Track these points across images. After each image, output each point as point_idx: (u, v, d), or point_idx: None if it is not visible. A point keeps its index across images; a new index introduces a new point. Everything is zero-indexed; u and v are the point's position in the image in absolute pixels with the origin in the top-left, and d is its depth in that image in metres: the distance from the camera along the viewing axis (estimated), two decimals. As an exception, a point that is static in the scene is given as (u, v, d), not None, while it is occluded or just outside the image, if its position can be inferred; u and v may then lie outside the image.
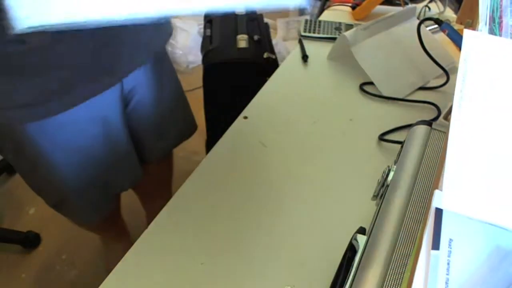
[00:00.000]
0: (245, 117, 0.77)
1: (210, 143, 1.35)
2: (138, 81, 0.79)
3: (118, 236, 1.19)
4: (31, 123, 0.66)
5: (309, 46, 0.97)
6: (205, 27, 1.30)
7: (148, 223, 0.60)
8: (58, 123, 0.68)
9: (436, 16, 1.00)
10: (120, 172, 0.86)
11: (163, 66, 0.86)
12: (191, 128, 1.04)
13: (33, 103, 0.62)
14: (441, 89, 0.84)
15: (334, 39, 0.96)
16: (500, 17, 0.45)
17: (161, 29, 0.78)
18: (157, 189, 1.15)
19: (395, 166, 0.44)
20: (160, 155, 0.99)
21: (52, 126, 0.68)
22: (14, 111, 0.62)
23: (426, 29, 0.96)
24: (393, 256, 0.33)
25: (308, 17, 1.14)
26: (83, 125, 0.72)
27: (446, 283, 0.22)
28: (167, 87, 0.89)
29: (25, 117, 0.64)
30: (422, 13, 1.07)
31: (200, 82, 1.20)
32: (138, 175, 0.92)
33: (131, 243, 0.57)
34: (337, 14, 1.16)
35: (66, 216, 0.92)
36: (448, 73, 0.82)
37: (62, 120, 0.67)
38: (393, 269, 0.32)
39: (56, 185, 0.79)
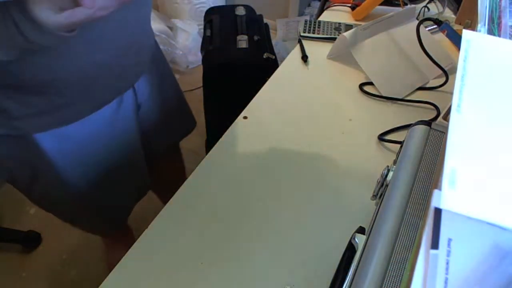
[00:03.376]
0: (245, 117, 0.77)
1: (210, 143, 1.35)
2: (141, 85, 0.79)
3: (121, 237, 1.19)
4: (47, 140, 0.64)
5: (309, 46, 0.98)
6: (205, 27, 1.30)
7: None
8: (73, 137, 0.67)
9: (435, 17, 1.00)
10: (133, 182, 0.87)
11: (161, 67, 0.87)
12: (192, 123, 1.05)
13: (44, 111, 0.61)
14: (440, 89, 0.84)
15: (333, 39, 0.96)
16: (499, 18, 0.45)
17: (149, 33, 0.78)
18: (173, 186, 1.15)
19: (394, 166, 0.44)
20: (164, 151, 1.00)
21: (67, 141, 0.67)
22: (24, 121, 0.61)
23: (426, 29, 0.96)
24: (392, 256, 0.33)
25: (307, 18, 1.15)
26: (99, 136, 0.71)
27: (445, 282, 0.22)
28: (167, 86, 0.89)
29: (36, 126, 0.63)
30: (421, 14, 1.07)
31: (200, 82, 1.20)
32: (148, 183, 0.93)
33: (133, 243, 0.57)
34: (336, 14, 1.16)
35: (81, 229, 0.92)
36: (447, 73, 0.83)
37: (76, 133, 0.67)
38: (392, 269, 0.33)
39: (72, 204, 0.78)
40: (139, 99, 0.80)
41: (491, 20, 0.44)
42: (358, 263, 0.35)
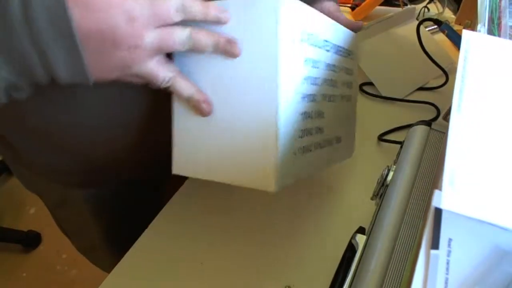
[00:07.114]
0: (245, 117, 0.77)
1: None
2: None
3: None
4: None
5: (309, 46, 0.97)
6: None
7: None
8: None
9: (435, 17, 1.00)
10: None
11: None
12: None
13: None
14: (440, 89, 0.84)
15: (333, 39, 0.96)
16: (499, 18, 0.45)
17: None
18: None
19: (394, 166, 0.44)
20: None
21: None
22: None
23: (426, 29, 0.96)
24: (393, 256, 0.33)
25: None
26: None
27: (446, 282, 0.23)
28: None
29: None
30: (421, 14, 1.07)
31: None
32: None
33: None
34: (336, 14, 1.16)
35: (92, 261, 0.91)
36: (447, 73, 0.83)
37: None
38: (392, 269, 0.33)
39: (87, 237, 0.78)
40: None
41: (491, 20, 0.44)
42: (358, 263, 0.35)
